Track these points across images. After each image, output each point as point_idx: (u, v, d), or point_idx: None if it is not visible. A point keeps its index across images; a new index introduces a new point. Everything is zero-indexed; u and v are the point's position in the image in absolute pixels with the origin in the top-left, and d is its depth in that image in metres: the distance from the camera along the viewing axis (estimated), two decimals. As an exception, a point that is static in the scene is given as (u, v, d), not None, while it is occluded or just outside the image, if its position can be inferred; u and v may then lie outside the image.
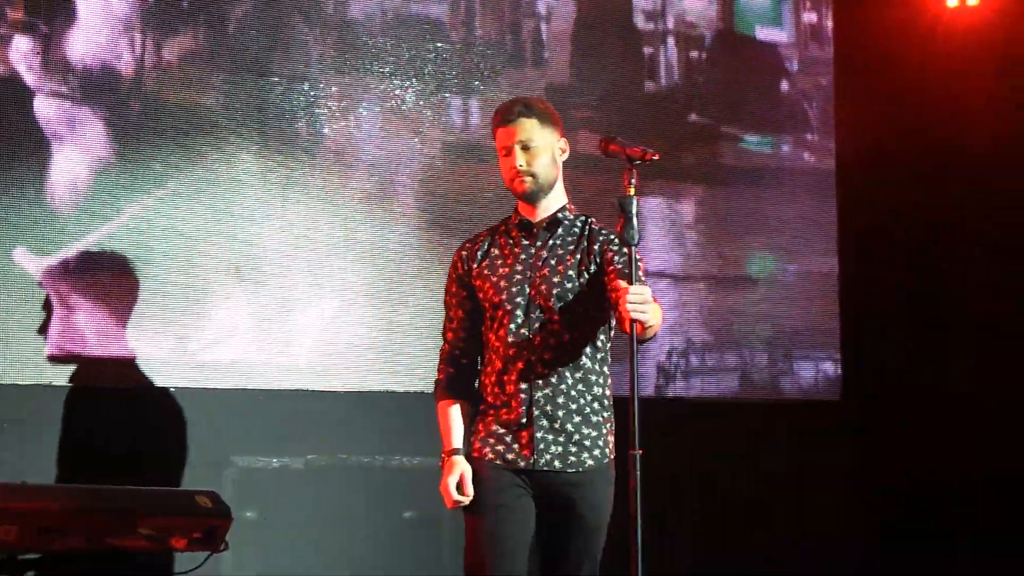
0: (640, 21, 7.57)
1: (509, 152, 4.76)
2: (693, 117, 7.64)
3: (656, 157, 4.48)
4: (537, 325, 4.71)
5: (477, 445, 4.77)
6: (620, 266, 4.65)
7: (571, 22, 7.35)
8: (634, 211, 4.39)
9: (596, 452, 4.72)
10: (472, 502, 4.71)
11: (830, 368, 7.80)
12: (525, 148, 4.74)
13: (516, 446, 4.69)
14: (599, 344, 4.77)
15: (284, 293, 6.53)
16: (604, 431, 4.75)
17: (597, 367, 4.76)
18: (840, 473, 7.75)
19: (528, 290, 4.73)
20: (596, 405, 4.74)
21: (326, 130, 6.67)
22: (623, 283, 4.40)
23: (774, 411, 7.64)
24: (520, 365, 4.70)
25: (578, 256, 4.76)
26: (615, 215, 4.41)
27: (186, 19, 6.45)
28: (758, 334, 7.67)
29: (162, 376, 6.27)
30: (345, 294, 6.65)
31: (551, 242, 4.80)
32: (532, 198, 4.80)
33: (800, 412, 7.69)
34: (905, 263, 8.07)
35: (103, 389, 6.16)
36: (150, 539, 5.22)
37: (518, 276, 4.78)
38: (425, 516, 6.59)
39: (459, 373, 4.89)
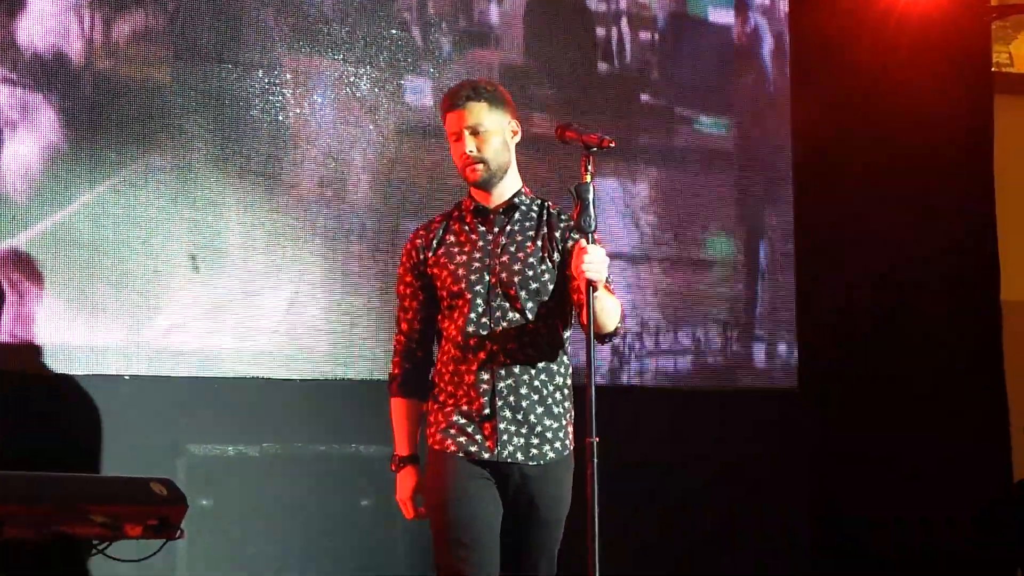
0: (593, 2, 7.54)
1: (459, 138, 4.66)
2: (645, 98, 7.62)
3: (613, 144, 4.41)
4: (499, 313, 4.61)
5: (438, 436, 4.66)
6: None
7: (523, 3, 7.31)
8: (591, 198, 4.34)
9: (557, 444, 4.64)
10: (436, 495, 4.62)
11: (785, 351, 7.79)
12: (474, 133, 4.63)
13: (479, 437, 4.59)
14: (561, 333, 4.71)
15: (240, 281, 6.49)
16: (564, 422, 4.68)
17: (559, 356, 4.69)
18: (797, 461, 7.75)
19: (488, 277, 4.63)
20: (558, 395, 4.66)
21: (281, 116, 6.62)
22: (583, 242, 4.37)
23: (731, 399, 7.63)
24: (482, 355, 4.60)
25: (539, 242, 4.67)
26: (569, 198, 4.38)
27: (139, 4, 6.38)
28: (714, 316, 7.66)
29: (117, 364, 6.21)
30: (301, 282, 6.60)
31: (508, 228, 4.69)
32: (485, 185, 4.70)
33: (757, 400, 7.69)
34: (862, 249, 8.06)
35: (56, 376, 6.10)
36: (104, 526, 5.18)
37: (476, 263, 4.66)
38: (382, 504, 6.55)
39: (415, 368, 4.83)
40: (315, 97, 6.69)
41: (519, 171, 4.79)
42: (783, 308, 7.84)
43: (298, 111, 6.65)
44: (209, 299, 6.41)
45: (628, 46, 7.61)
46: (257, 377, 6.47)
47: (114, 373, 6.20)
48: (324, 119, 6.71)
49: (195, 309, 6.38)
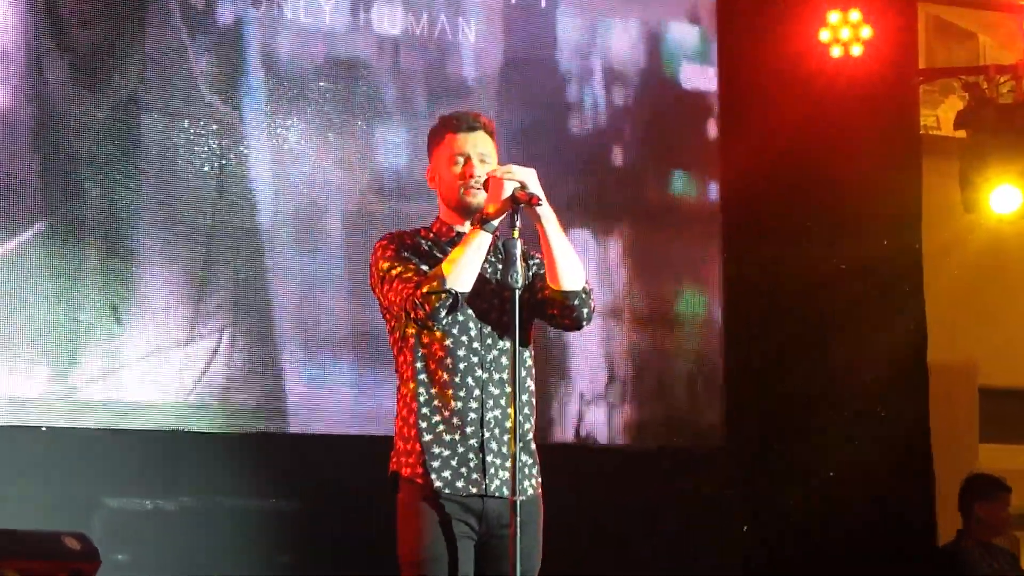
0: (565, 61, 7.63)
1: (467, 160, 4.51)
2: (618, 159, 7.70)
3: (539, 203, 4.42)
4: (489, 341, 4.49)
5: (420, 470, 4.42)
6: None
7: (498, 60, 7.39)
8: (518, 254, 4.34)
9: (533, 482, 4.51)
10: (417, 550, 4.39)
11: (713, 410, 7.88)
12: (482, 161, 4.51)
13: (464, 470, 4.42)
14: (532, 368, 4.58)
15: (163, 332, 6.49)
16: (536, 460, 4.58)
17: (532, 393, 4.54)
18: (725, 520, 7.81)
19: (483, 304, 4.50)
20: (531, 434, 4.52)
21: (207, 167, 6.63)
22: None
23: (656, 457, 7.67)
24: (471, 381, 4.46)
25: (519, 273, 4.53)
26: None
27: (62, 51, 6.38)
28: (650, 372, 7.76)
29: (34, 415, 6.23)
30: (225, 333, 6.61)
31: (492, 258, 4.53)
32: (471, 211, 4.49)
33: (683, 459, 7.74)
34: (790, 311, 8.13)
35: (-29, 428, 6.09)
36: (15, 582, 5.14)
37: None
38: (301, 562, 6.55)
39: None
40: (241, 148, 6.71)
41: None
42: (710, 367, 7.92)
43: (224, 162, 6.66)
44: (131, 350, 6.40)
45: (601, 105, 7.76)
46: (177, 430, 6.46)
47: (32, 424, 6.20)
48: (251, 170, 6.72)
49: (116, 360, 6.37)
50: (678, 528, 7.63)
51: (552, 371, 7.40)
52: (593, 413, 7.59)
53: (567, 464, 7.21)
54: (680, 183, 8.08)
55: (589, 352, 7.60)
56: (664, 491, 7.66)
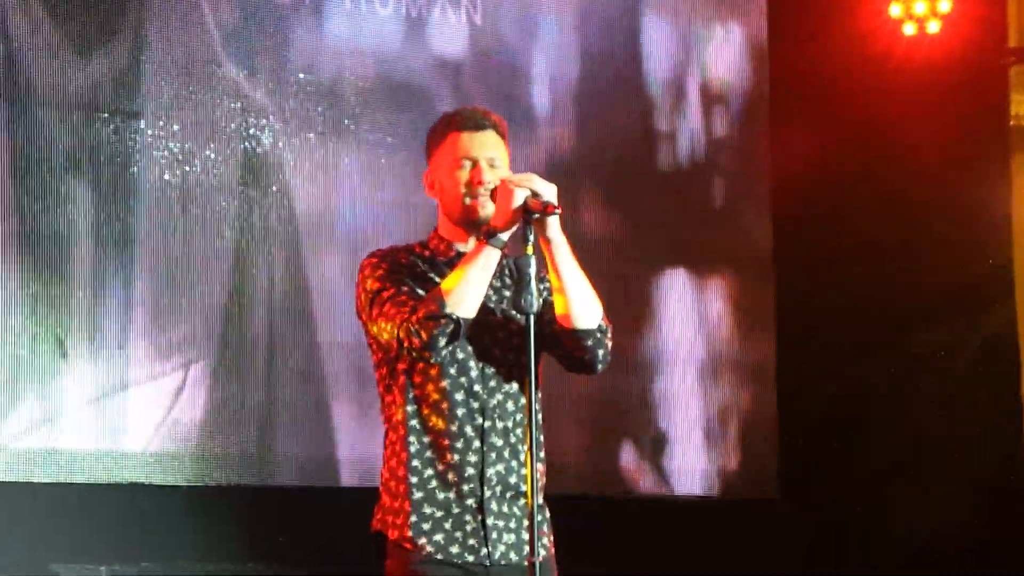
0: (653, 79, 7.61)
1: (474, 164, 4.45)
2: (719, 198, 7.68)
3: (559, 211, 4.36)
4: (493, 383, 4.46)
5: (408, 533, 4.38)
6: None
7: (574, 83, 7.36)
8: (532, 274, 4.27)
9: (545, 540, 4.44)
10: None
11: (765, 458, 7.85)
12: (492, 165, 4.44)
13: (459, 534, 4.38)
14: (539, 413, 4.42)
15: (117, 369, 6.45)
16: (548, 515, 4.52)
17: (542, 440, 4.44)
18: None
19: (485, 338, 4.46)
20: (540, 484, 4.41)
21: (167, 176, 6.61)
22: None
23: (707, 509, 7.65)
24: (469, 430, 4.40)
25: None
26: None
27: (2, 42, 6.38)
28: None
29: (-32, 468, 6.18)
30: (191, 369, 6.58)
31: (495, 283, 4.48)
32: (477, 225, 4.41)
33: (734, 511, 7.71)
34: (854, 338, 8.07)
35: None
36: (-54, 666, 5.13)
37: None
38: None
39: None
40: (208, 152, 6.68)
41: None
42: (764, 411, 7.89)
43: (187, 169, 6.64)
44: (80, 390, 6.37)
45: (698, 134, 7.76)
46: (136, 483, 6.43)
47: (-35, 478, 6.16)
48: (220, 179, 6.70)
49: (63, 402, 6.34)
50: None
51: (620, 415, 7.45)
52: (687, 462, 7.65)
53: (604, 517, 7.25)
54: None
55: (681, 402, 7.67)
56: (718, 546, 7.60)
